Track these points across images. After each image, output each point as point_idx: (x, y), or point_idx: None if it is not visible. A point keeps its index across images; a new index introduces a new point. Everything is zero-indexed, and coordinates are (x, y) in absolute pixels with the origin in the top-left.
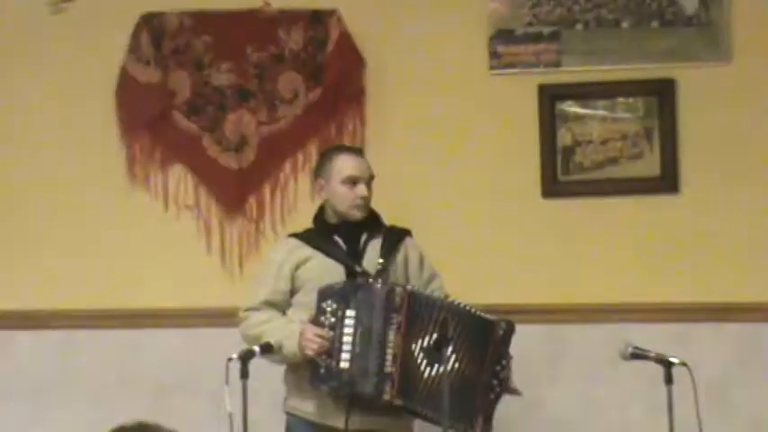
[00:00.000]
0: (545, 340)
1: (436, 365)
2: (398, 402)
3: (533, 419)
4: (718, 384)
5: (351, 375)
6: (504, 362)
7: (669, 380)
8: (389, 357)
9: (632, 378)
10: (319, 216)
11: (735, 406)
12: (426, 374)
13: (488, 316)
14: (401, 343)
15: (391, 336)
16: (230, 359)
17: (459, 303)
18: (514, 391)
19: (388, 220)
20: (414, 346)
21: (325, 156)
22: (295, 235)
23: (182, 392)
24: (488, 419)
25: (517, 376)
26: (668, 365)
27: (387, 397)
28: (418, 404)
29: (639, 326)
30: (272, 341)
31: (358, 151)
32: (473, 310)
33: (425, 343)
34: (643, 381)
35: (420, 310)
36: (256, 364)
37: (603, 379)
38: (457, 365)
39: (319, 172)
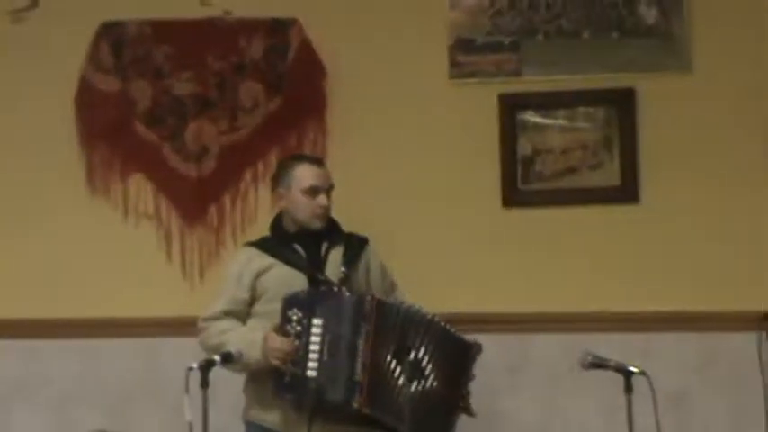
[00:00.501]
0: (505, 349)
1: (406, 377)
2: (367, 410)
3: (493, 429)
4: (677, 393)
5: (318, 384)
6: (470, 382)
7: (629, 389)
8: (359, 366)
9: (592, 387)
10: (277, 224)
11: (693, 415)
12: (396, 385)
13: (463, 337)
14: (370, 352)
15: (360, 344)
16: (191, 368)
17: (433, 318)
18: (470, 412)
19: (349, 228)
20: (382, 354)
21: (285, 165)
22: (252, 243)
23: (142, 401)
24: None
25: (477, 386)
26: (628, 374)
27: (356, 405)
28: (386, 413)
29: (599, 335)
30: (234, 350)
31: (318, 161)
32: (448, 327)
33: (394, 352)
34: (603, 390)
35: (389, 320)
36: (217, 373)
37: (563, 388)
38: (432, 383)
39: (278, 181)
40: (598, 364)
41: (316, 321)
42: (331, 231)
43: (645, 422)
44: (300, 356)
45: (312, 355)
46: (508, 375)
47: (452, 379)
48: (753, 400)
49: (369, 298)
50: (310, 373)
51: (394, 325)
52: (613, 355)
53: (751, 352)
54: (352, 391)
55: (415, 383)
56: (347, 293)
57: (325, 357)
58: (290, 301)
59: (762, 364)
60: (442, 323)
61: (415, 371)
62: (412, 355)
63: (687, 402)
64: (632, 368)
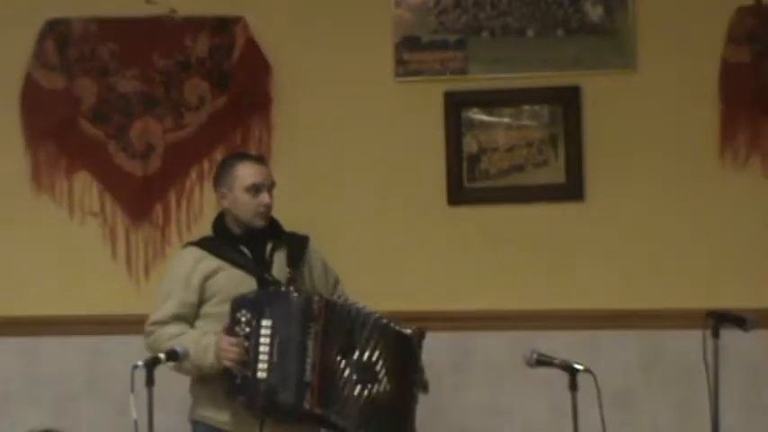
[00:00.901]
0: (450, 347)
1: (356, 378)
2: (318, 411)
3: (438, 427)
4: (622, 391)
5: (268, 386)
6: (420, 367)
7: (574, 386)
8: (309, 366)
9: (537, 385)
10: (219, 224)
11: (639, 413)
12: (346, 385)
13: (404, 330)
14: (320, 352)
15: (310, 345)
16: (136, 366)
17: (377, 317)
18: (424, 388)
19: (294, 226)
20: (332, 354)
21: (226, 164)
22: (196, 243)
23: (87, 400)
24: (411, 427)
25: None
26: (573, 372)
27: (307, 406)
28: (337, 414)
29: (544, 333)
30: (179, 348)
31: (259, 159)
32: (390, 323)
33: (344, 352)
34: (548, 387)
35: (337, 319)
36: (162, 371)
37: (508, 386)
38: (382, 383)
39: (220, 181)
40: (543, 361)
41: (265, 323)
42: (273, 231)
43: (590, 420)
44: (250, 358)
45: (262, 357)
46: (453, 373)
47: (402, 376)
48: (697, 397)
49: (317, 298)
50: (260, 375)
51: (342, 324)
52: (559, 353)
53: (696, 350)
54: (302, 393)
55: (365, 385)
56: (294, 294)
57: (275, 359)
58: (238, 303)
59: (706, 362)
60: (385, 320)
61: (365, 372)
62: (360, 355)
63: (632, 400)
64: (577, 366)
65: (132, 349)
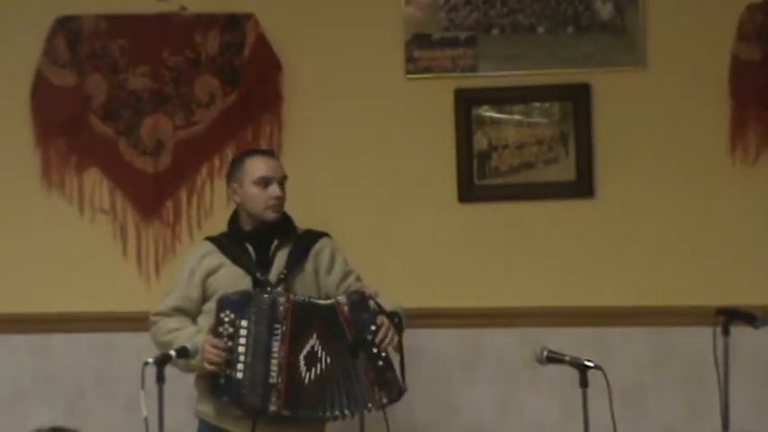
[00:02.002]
0: (461, 344)
1: (307, 367)
2: (287, 413)
3: (449, 424)
4: (632, 388)
5: (244, 386)
6: (372, 327)
7: (584, 383)
8: (274, 369)
9: (547, 382)
10: (233, 221)
11: (649, 409)
12: (304, 380)
13: (326, 301)
14: (287, 353)
15: (275, 347)
16: (146, 363)
17: (305, 298)
18: (398, 347)
19: (304, 224)
20: (299, 355)
21: (236, 160)
22: (211, 239)
23: (98, 397)
24: (390, 384)
25: (432, 380)
26: (583, 369)
27: (273, 408)
28: (306, 411)
29: (554, 330)
30: (190, 346)
31: (269, 152)
32: (309, 299)
33: (307, 350)
34: (558, 384)
35: (305, 319)
36: (173, 368)
37: (519, 383)
38: (327, 359)
39: (231, 177)
40: (554, 358)
41: (243, 323)
42: (282, 228)
43: (600, 417)
44: (232, 359)
45: (240, 357)
46: (464, 370)
47: (337, 344)
48: (707, 394)
49: (283, 299)
50: (239, 375)
51: (311, 324)
52: (569, 350)
53: (705, 347)
54: (268, 395)
55: (309, 369)
56: (264, 295)
57: (249, 360)
58: (223, 303)
59: (716, 359)
60: (309, 299)
61: (311, 357)
62: (309, 345)
63: (642, 397)
64: (588, 363)
65: (142, 346)
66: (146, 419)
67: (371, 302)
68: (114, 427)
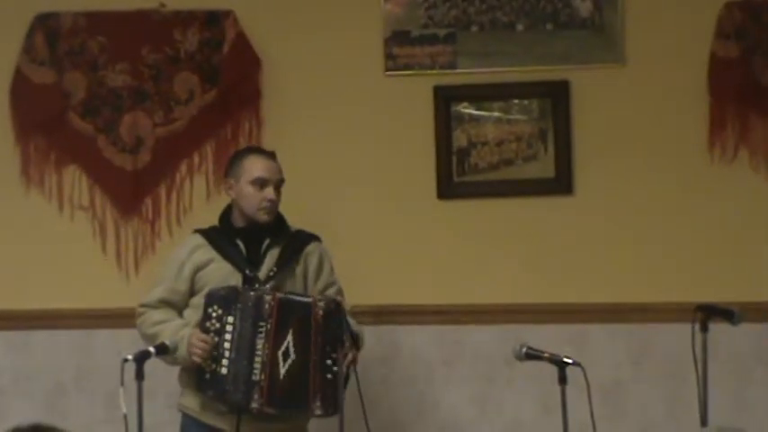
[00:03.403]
0: (440, 341)
1: (282, 363)
2: (269, 411)
3: (429, 420)
4: (611, 385)
5: (228, 383)
6: (339, 343)
7: (563, 380)
8: (257, 366)
9: (527, 379)
10: (225, 216)
11: (628, 406)
12: (281, 375)
13: (305, 298)
14: (270, 351)
15: (259, 344)
16: (125, 360)
17: (287, 294)
18: (351, 371)
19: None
20: (278, 351)
21: (237, 156)
22: (201, 232)
23: (77, 394)
24: (330, 400)
25: (411, 377)
26: (562, 366)
27: (255, 405)
28: (284, 409)
29: (534, 326)
30: (169, 342)
31: (270, 154)
32: (291, 296)
33: (284, 346)
34: (537, 381)
35: (290, 317)
36: (152, 365)
37: (498, 380)
38: (295, 356)
39: (229, 171)
40: (533, 355)
41: (230, 319)
42: (275, 228)
43: (580, 413)
44: (218, 354)
45: (225, 353)
46: (443, 367)
47: (313, 345)
48: (687, 391)
49: (269, 297)
50: (224, 371)
51: (290, 321)
52: (548, 347)
53: (685, 343)
54: (250, 392)
55: (285, 364)
56: (251, 292)
57: (233, 356)
58: (211, 298)
59: (695, 356)
60: (290, 296)
61: (286, 352)
62: (288, 343)
63: (622, 393)
64: (567, 359)
65: (122, 343)
66: (125, 416)
67: (345, 319)
68: (94, 423)
